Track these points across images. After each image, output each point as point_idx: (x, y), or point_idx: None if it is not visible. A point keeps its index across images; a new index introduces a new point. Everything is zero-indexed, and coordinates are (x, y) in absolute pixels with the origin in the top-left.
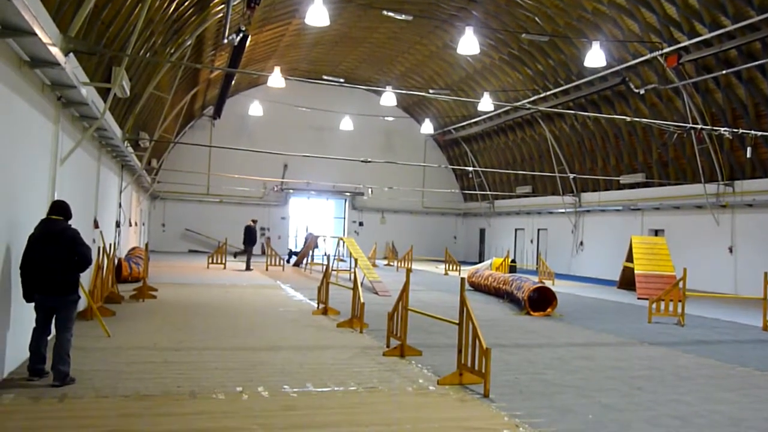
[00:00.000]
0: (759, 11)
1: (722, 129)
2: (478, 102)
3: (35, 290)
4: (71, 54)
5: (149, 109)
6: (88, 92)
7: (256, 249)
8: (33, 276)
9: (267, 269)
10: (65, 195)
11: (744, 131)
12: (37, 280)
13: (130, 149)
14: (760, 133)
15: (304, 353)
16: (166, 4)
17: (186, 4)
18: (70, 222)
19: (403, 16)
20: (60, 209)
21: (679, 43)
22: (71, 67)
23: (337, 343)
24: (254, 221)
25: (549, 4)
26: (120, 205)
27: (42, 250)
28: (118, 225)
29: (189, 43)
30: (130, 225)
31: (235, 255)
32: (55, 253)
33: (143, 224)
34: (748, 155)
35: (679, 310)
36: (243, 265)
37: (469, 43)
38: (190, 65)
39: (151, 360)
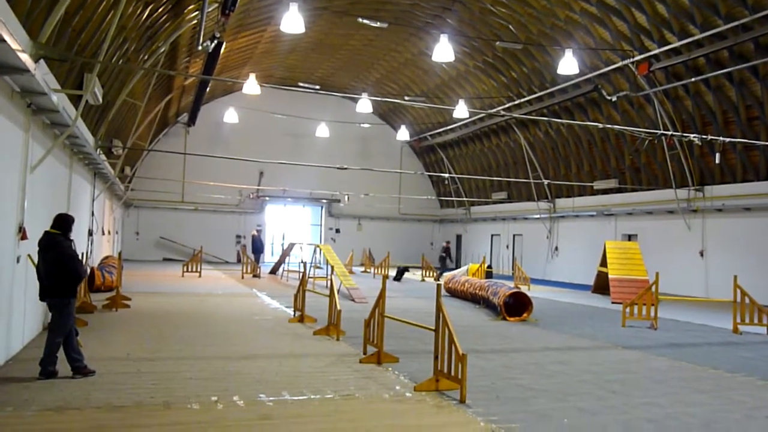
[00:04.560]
0: (726, 20)
1: (692, 135)
2: (454, 109)
3: (43, 294)
4: (41, 60)
5: (122, 116)
6: (59, 99)
7: (231, 257)
8: (40, 281)
9: (242, 277)
10: (36, 203)
11: (713, 138)
12: (41, 285)
13: (103, 157)
14: (728, 140)
15: (280, 361)
16: (139, 11)
17: (160, 10)
18: (69, 235)
19: (379, 24)
20: (56, 223)
21: (650, 51)
22: (41, 74)
23: (313, 351)
24: (258, 231)
25: (522, 13)
26: (92, 214)
27: (41, 259)
28: (90, 233)
29: (163, 49)
30: (103, 233)
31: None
32: (49, 262)
33: (116, 232)
34: (717, 161)
35: (652, 313)
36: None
37: (444, 51)
38: (164, 72)
39: (125, 370)
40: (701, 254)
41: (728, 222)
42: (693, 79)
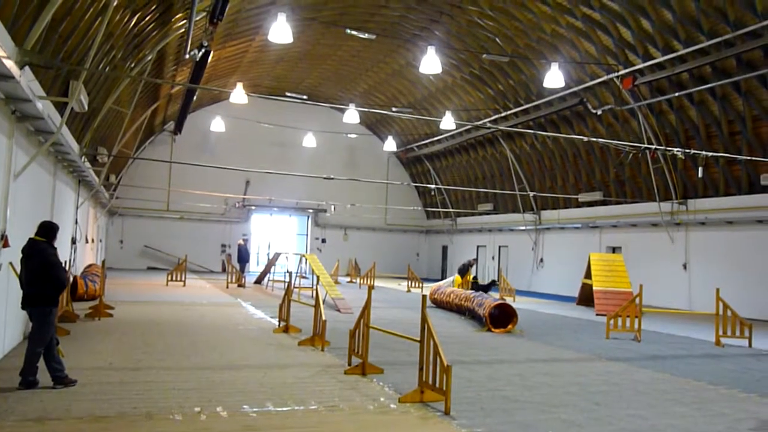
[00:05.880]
0: (709, 36)
1: (675, 149)
2: (441, 120)
3: (25, 302)
4: (27, 67)
5: (108, 123)
6: (44, 106)
7: (216, 266)
8: (22, 289)
9: (227, 287)
10: (18, 211)
11: (696, 152)
12: (23, 293)
13: (88, 164)
14: (710, 154)
15: (265, 372)
16: (126, 18)
17: (147, 18)
18: (54, 242)
19: (367, 35)
20: (41, 230)
21: (634, 65)
22: (27, 81)
23: (298, 362)
24: (244, 240)
25: (509, 26)
26: (76, 222)
27: (24, 266)
28: (73, 242)
29: (150, 57)
30: (87, 241)
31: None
32: (32, 270)
33: (100, 241)
34: (700, 175)
35: (636, 325)
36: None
37: (431, 63)
38: (151, 80)
39: (107, 380)
40: (684, 267)
41: (711, 235)
42: (676, 94)
